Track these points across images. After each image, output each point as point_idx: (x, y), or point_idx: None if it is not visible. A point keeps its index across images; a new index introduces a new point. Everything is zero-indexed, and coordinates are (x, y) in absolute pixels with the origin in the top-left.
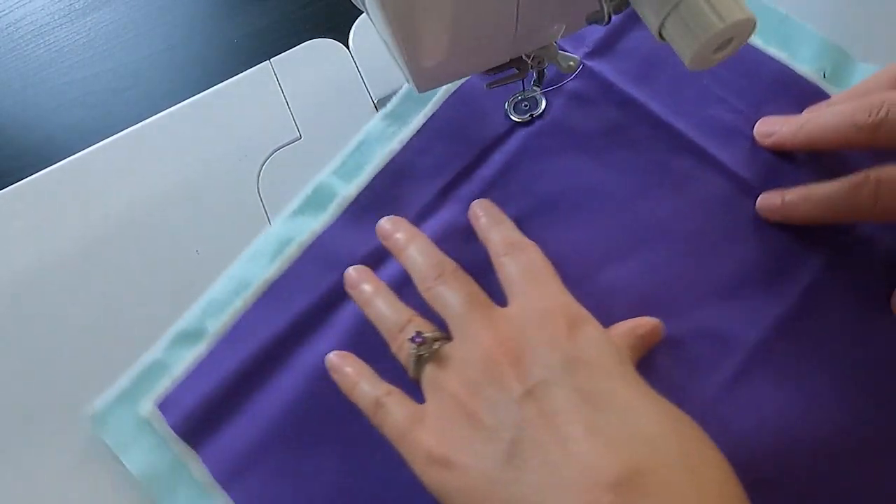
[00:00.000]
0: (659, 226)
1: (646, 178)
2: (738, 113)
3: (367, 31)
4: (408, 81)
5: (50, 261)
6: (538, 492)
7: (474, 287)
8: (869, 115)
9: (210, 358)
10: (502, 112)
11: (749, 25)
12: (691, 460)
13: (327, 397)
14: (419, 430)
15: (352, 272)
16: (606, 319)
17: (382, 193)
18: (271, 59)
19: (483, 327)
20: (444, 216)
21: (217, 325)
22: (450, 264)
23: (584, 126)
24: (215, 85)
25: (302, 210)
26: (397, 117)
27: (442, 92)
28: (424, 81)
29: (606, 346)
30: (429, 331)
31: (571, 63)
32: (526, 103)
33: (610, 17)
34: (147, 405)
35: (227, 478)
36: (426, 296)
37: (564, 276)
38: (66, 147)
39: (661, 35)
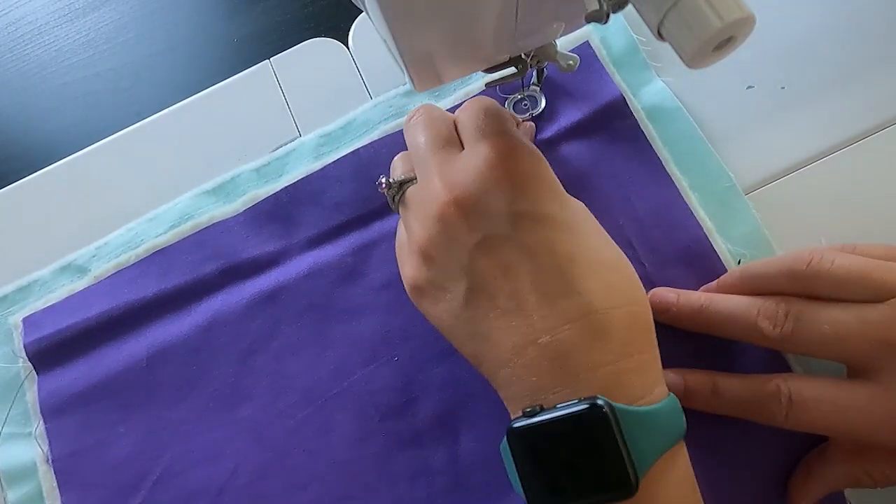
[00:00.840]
0: None
1: None
2: (639, 265)
3: (366, 30)
4: (407, 80)
5: (50, 260)
6: (493, 329)
7: (438, 127)
8: (774, 326)
9: (80, 296)
10: None
11: (749, 24)
12: (612, 309)
13: (155, 377)
14: (405, 260)
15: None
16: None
17: (284, 207)
18: (271, 59)
19: (433, 172)
20: (328, 252)
21: (99, 270)
22: (427, 106)
23: None
24: (215, 84)
25: (214, 192)
26: (332, 140)
27: (379, 131)
28: (423, 80)
29: (550, 193)
30: (398, 174)
31: (571, 62)
32: (526, 102)
33: (608, 16)
34: (17, 316)
35: (49, 410)
36: (405, 133)
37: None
38: (66, 147)
39: (659, 34)
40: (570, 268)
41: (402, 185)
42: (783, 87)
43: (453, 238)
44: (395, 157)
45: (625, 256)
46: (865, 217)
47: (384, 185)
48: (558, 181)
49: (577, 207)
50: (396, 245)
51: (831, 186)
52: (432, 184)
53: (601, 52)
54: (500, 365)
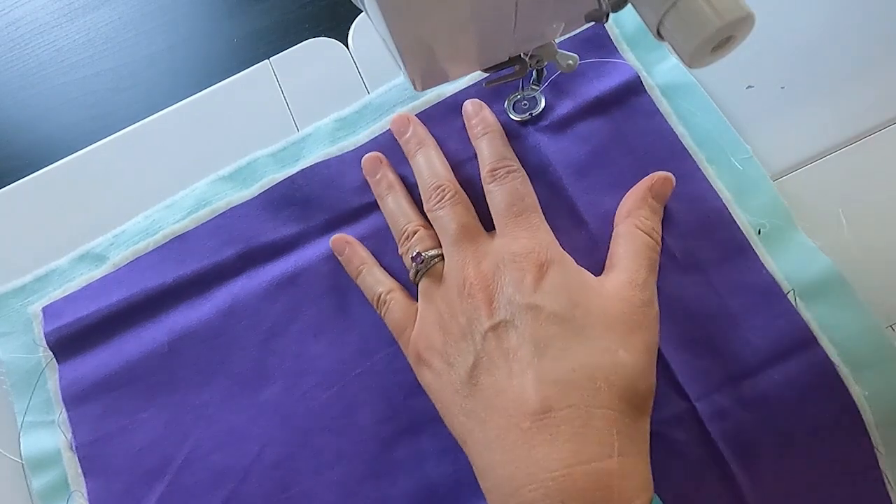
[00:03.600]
0: None
1: None
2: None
3: (366, 30)
4: (407, 80)
5: (49, 259)
6: (485, 409)
7: (467, 217)
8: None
9: (99, 284)
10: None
11: (748, 23)
12: (590, 399)
13: (177, 362)
14: (411, 330)
15: (372, 158)
16: None
17: (301, 190)
18: (270, 58)
19: (468, 260)
20: (346, 234)
21: (117, 257)
22: (450, 189)
23: None
24: (215, 84)
25: (231, 177)
26: (349, 124)
27: (395, 115)
28: (423, 80)
29: (563, 293)
30: (428, 248)
31: (570, 62)
32: (525, 102)
33: (608, 15)
34: (37, 306)
35: (71, 398)
36: (429, 215)
37: None
38: (66, 146)
39: (659, 33)
40: (564, 358)
41: (432, 260)
42: (783, 87)
43: (473, 318)
44: (413, 228)
45: (645, 360)
46: (865, 217)
47: (418, 259)
48: (580, 271)
49: (593, 307)
50: (393, 326)
51: (831, 186)
52: (462, 267)
53: (614, 32)
54: (486, 447)
